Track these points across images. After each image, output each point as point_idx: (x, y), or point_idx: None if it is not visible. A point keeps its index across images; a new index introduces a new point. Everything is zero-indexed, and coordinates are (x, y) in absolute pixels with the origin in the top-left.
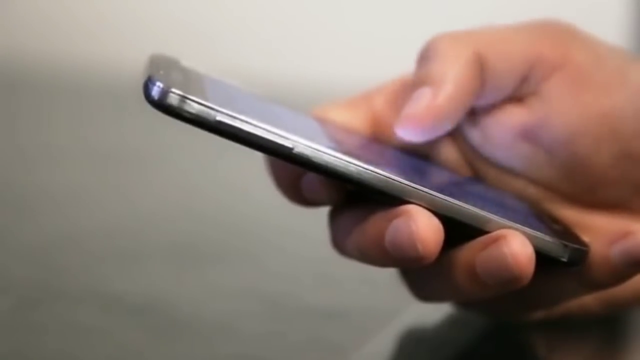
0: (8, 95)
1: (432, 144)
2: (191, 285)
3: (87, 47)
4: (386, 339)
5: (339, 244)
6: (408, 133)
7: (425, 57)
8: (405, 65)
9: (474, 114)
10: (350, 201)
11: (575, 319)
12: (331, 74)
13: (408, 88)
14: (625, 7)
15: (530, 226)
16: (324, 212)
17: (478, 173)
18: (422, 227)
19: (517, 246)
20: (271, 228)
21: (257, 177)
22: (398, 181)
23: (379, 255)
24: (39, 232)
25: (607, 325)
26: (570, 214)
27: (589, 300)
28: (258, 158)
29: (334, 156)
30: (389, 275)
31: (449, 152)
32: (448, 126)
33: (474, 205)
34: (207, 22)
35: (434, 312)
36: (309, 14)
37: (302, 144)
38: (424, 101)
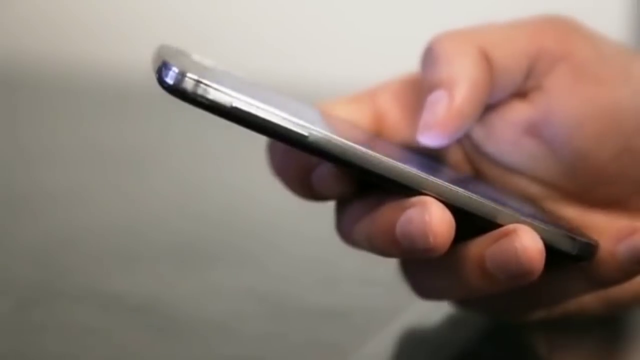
0: (8, 95)
1: None
2: (191, 285)
3: (87, 47)
4: (386, 339)
5: (346, 231)
6: (431, 140)
7: (430, 58)
8: (405, 65)
9: None
10: (361, 191)
11: (575, 319)
12: (331, 74)
13: (416, 88)
14: (625, 7)
15: (539, 221)
16: (324, 212)
17: (478, 171)
18: (435, 218)
19: (528, 240)
20: (271, 228)
21: (258, 177)
22: (413, 172)
23: (388, 244)
24: (39, 232)
25: (607, 325)
26: (572, 213)
27: (589, 301)
28: (259, 158)
29: (349, 145)
30: (389, 276)
31: (450, 150)
32: (468, 126)
33: (485, 198)
34: (207, 22)
35: (434, 312)
36: (309, 14)
37: (318, 132)
38: (442, 106)
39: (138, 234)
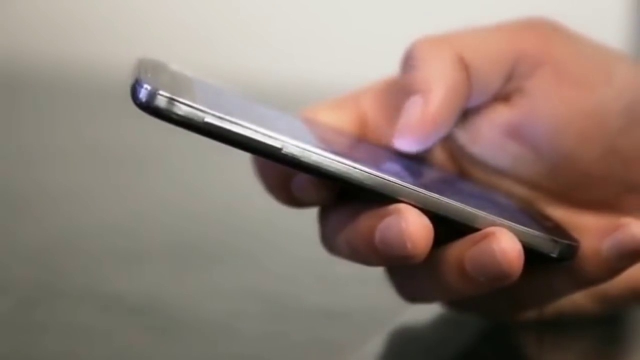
0: (8, 95)
1: None
2: (191, 285)
3: (87, 47)
4: (386, 339)
5: (329, 241)
6: (406, 144)
7: (408, 63)
8: None
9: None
10: (341, 199)
11: (569, 318)
12: (331, 74)
13: (396, 91)
14: (625, 7)
15: (519, 222)
16: None
17: (464, 172)
18: (412, 225)
19: (506, 243)
20: (271, 228)
21: None
22: (387, 179)
23: (369, 253)
24: (39, 232)
25: (603, 324)
26: (559, 214)
27: (582, 299)
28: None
29: (323, 155)
30: None
31: (436, 153)
32: (444, 131)
33: (463, 202)
34: (207, 22)
35: (433, 313)
36: (308, 14)
37: (291, 144)
38: (417, 111)
39: (138, 234)
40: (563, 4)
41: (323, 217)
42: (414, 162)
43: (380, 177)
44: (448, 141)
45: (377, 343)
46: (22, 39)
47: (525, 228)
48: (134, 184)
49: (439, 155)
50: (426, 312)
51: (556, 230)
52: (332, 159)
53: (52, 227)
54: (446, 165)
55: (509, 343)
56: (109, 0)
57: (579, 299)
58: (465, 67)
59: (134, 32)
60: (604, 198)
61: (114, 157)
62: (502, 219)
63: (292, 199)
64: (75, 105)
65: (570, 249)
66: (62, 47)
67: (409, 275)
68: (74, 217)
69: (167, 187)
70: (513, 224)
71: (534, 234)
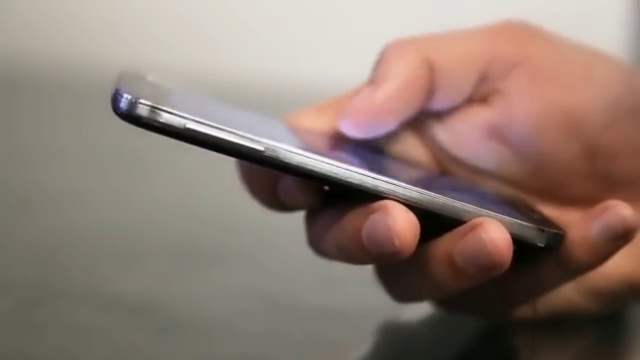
0: (8, 95)
1: (403, 146)
2: (191, 285)
3: (87, 47)
4: (386, 339)
5: (317, 242)
6: (347, 128)
7: (376, 61)
8: None
9: (441, 116)
10: (328, 202)
11: (566, 317)
12: (330, 74)
13: None
14: (625, 7)
15: (505, 214)
16: None
17: (448, 174)
18: (398, 221)
19: (494, 232)
20: (271, 228)
21: None
22: (372, 177)
23: (357, 251)
24: (39, 232)
25: (600, 323)
26: (546, 212)
27: (578, 298)
28: None
29: (306, 156)
30: None
31: (419, 154)
32: (389, 124)
33: (449, 196)
34: (207, 22)
35: (433, 313)
36: (308, 15)
37: (273, 146)
38: (363, 99)
39: (138, 234)
40: (563, 4)
41: (310, 220)
42: (399, 162)
43: (365, 175)
44: (431, 143)
45: (376, 343)
46: (22, 39)
47: (511, 218)
48: (134, 184)
49: (422, 158)
50: (425, 312)
51: (542, 220)
52: (316, 159)
53: (52, 227)
54: (430, 166)
55: (509, 343)
56: (109, 0)
57: (574, 298)
58: (430, 67)
59: (134, 32)
60: (588, 195)
61: (114, 157)
62: (488, 211)
63: (278, 203)
64: (75, 105)
65: (556, 238)
66: (62, 47)
67: (399, 274)
68: (73, 217)
69: (167, 187)
70: (499, 214)
71: (520, 224)
